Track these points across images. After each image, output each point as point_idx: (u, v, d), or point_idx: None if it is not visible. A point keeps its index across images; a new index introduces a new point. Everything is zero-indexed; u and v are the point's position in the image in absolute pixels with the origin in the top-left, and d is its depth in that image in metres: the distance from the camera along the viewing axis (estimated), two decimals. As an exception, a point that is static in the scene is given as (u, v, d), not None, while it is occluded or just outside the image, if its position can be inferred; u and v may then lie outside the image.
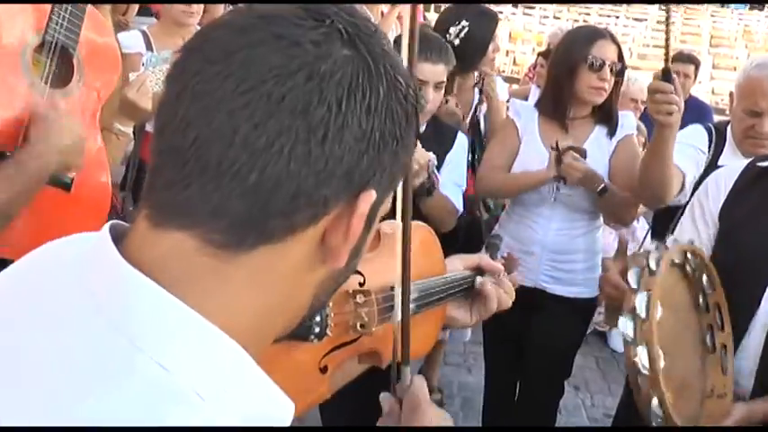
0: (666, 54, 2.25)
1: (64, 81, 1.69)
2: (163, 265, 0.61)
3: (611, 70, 2.64)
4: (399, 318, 1.05)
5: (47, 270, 0.68)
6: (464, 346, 4.51)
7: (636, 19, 13.86)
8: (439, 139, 2.56)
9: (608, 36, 2.68)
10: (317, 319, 1.06)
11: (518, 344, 2.95)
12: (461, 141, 2.73)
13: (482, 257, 1.40)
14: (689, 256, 1.79)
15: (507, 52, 12.24)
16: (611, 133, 2.74)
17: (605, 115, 2.74)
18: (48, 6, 1.61)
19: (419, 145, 2.37)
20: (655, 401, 1.58)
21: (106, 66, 1.85)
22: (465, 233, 3.07)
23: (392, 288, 1.16)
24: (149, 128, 2.95)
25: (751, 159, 2.04)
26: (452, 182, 2.62)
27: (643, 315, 1.59)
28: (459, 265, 1.37)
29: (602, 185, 2.58)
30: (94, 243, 0.65)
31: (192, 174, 0.59)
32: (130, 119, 2.10)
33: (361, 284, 1.16)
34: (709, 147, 2.58)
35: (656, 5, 13.30)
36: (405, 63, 0.86)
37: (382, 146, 0.63)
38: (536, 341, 2.88)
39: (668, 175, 2.37)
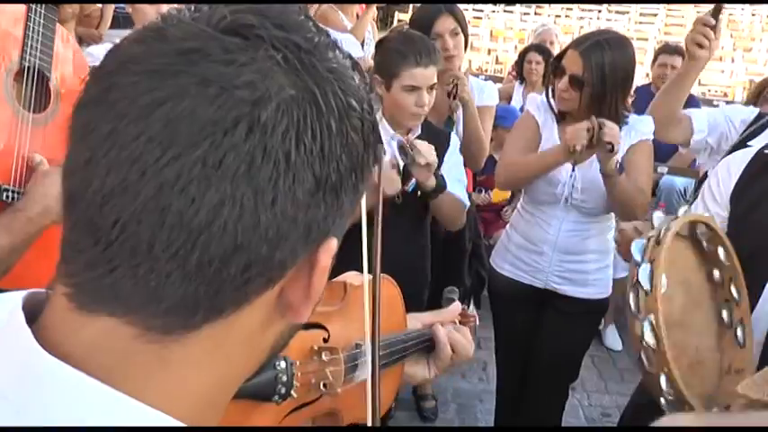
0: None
1: (43, 104, 1.67)
2: (92, 354, 0.52)
3: (572, 81, 2.57)
4: (365, 376, 0.99)
5: None
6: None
7: (618, 12, 13.85)
8: (434, 142, 2.55)
9: (582, 48, 2.58)
10: (284, 378, 0.99)
11: (529, 345, 2.94)
12: (455, 141, 2.76)
13: (438, 313, 1.36)
14: (701, 228, 1.76)
15: (489, 51, 12.19)
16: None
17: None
18: (19, 31, 1.60)
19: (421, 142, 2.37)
20: (663, 378, 1.54)
21: (80, 81, 1.82)
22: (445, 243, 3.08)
23: (357, 345, 1.11)
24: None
25: (761, 147, 2.06)
26: (455, 179, 2.64)
27: (647, 287, 1.55)
28: (417, 324, 1.32)
29: (619, 161, 2.53)
30: (5, 322, 0.54)
31: (117, 256, 0.50)
32: None
33: (325, 340, 1.09)
34: (750, 126, 2.69)
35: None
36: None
37: (340, 187, 0.55)
38: (545, 342, 2.87)
39: (677, 106, 2.63)
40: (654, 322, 1.53)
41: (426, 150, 2.34)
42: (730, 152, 2.58)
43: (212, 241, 0.49)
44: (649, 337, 1.53)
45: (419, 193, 2.49)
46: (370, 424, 0.86)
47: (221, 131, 0.48)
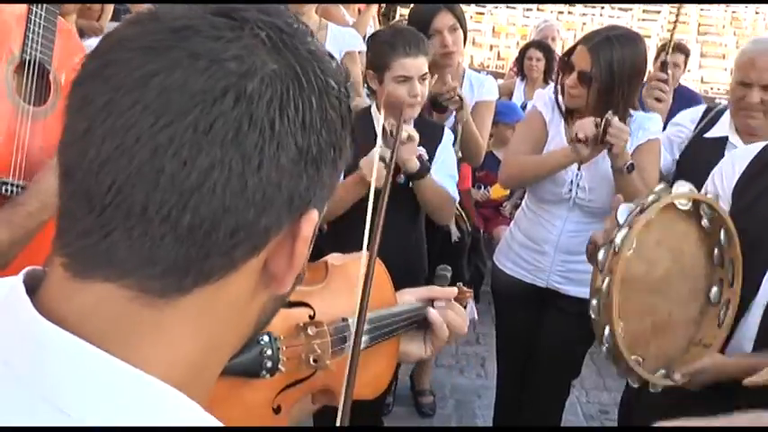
0: (666, 48, 2.90)
1: (43, 97, 1.68)
2: (87, 319, 0.54)
3: (580, 77, 2.55)
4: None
5: None
6: (456, 348, 4.47)
7: (621, 8, 13.83)
8: (428, 136, 2.56)
9: (590, 44, 2.56)
10: (269, 352, 1.00)
11: (530, 344, 2.93)
12: (448, 135, 2.75)
13: (432, 288, 1.37)
14: (703, 209, 1.83)
15: (491, 47, 12.20)
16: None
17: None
18: (21, 24, 1.60)
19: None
20: (606, 330, 1.71)
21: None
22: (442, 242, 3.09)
23: (344, 320, 1.13)
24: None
25: (766, 144, 2.10)
26: (446, 174, 2.65)
27: (617, 248, 1.70)
28: (409, 298, 1.33)
29: (631, 161, 2.50)
30: (4, 296, 0.57)
31: (112, 220, 0.53)
32: None
33: (311, 317, 1.11)
34: (701, 121, 2.82)
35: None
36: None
37: (320, 160, 0.58)
38: (547, 340, 2.86)
39: None
40: (612, 279, 1.68)
41: (408, 127, 2.39)
42: (689, 146, 2.75)
43: (202, 203, 0.52)
44: (605, 292, 1.69)
45: (410, 184, 2.51)
46: (342, 400, 0.87)
47: (211, 100, 0.52)
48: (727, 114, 2.78)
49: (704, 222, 1.84)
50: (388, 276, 1.32)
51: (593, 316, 1.73)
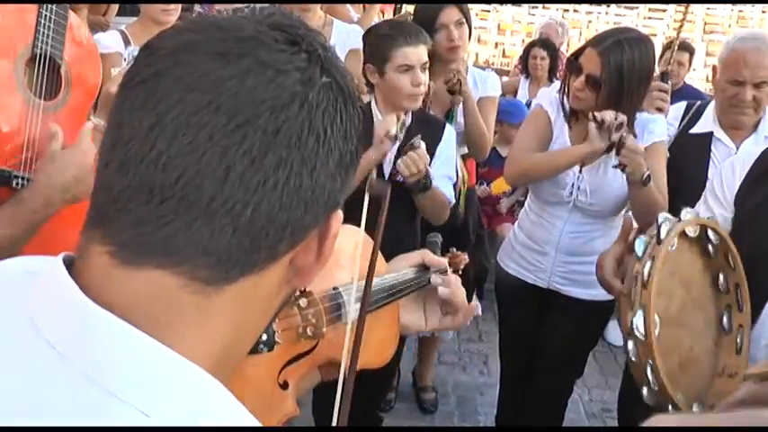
0: (669, 60, 3.03)
1: (53, 91, 1.69)
2: (135, 304, 0.57)
3: (589, 81, 2.51)
4: (352, 316, 1.04)
5: None
6: (459, 345, 4.48)
7: (627, 7, 13.79)
8: (427, 132, 2.55)
9: (601, 47, 2.51)
10: None
11: (532, 343, 2.93)
12: (449, 133, 2.73)
13: (424, 253, 1.40)
14: (710, 234, 1.78)
15: (496, 44, 12.16)
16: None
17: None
18: (32, 18, 1.61)
19: (423, 146, 2.42)
20: (648, 369, 1.60)
21: (90, 68, 1.85)
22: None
23: (334, 288, 1.17)
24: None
25: (767, 147, 2.08)
26: (444, 174, 2.64)
27: (645, 279, 1.61)
28: (402, 264, 1.37)
29: (647, 173, 2.45)
30: (45, 280, 0.59)
31: (173, 211, 0.56)
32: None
33: (301, 291, 1.14)
34: (683, 118, 2.86)
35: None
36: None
37: (350, 166, 0.64)
38: (550, 341, 2.86)
39: None
40: (645, 315, 1.60)
41: (417, 159, 2.39)
42: (675, 144, 2.77)
43: (264, 199, 0.57)
44: (640, 328, 1.59)
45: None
46: (343, 366, 0.88)
47: (279, 105, 0.57)
48: (709, 110, 2.81)
49: (710, 248, 1.79)
50: (369, 245, 1.32)
51: (632, 359, 1.62)
